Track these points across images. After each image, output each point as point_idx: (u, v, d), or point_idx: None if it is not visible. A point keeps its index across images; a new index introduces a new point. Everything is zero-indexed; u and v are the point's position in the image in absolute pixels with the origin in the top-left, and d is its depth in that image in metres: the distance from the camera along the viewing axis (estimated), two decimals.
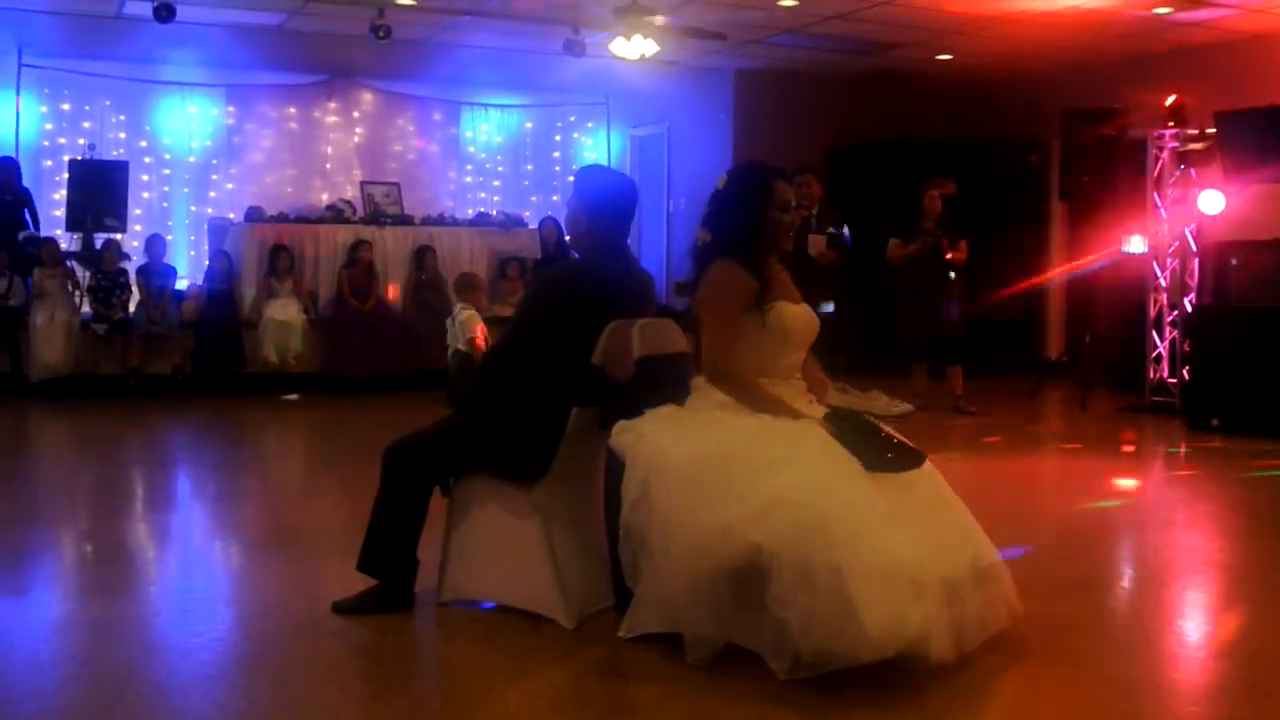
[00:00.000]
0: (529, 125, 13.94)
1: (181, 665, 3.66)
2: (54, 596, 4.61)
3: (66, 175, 11.43)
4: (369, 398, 10.14)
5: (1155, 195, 9.93)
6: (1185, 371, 9.44)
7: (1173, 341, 9.82)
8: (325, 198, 12.48)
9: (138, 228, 11.79)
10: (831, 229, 9.04)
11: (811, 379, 3.96)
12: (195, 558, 5.32)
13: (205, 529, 5.98)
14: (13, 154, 11.14)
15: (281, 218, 11.65)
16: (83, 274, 10.68)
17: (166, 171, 12.39)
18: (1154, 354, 9.89)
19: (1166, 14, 9.92)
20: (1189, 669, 3.83)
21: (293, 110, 12.76)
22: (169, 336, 10.46)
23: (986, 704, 3.50)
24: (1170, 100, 9.85)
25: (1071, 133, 10.31)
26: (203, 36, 11.39)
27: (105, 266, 10.62)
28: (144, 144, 12.26)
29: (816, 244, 8.92)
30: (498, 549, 4.02)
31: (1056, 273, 12.21)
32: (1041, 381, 10.78)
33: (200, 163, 12.50)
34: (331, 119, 12.92)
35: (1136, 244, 10.08)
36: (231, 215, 12.08)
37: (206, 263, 11.25)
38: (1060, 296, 12.62)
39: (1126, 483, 7.20)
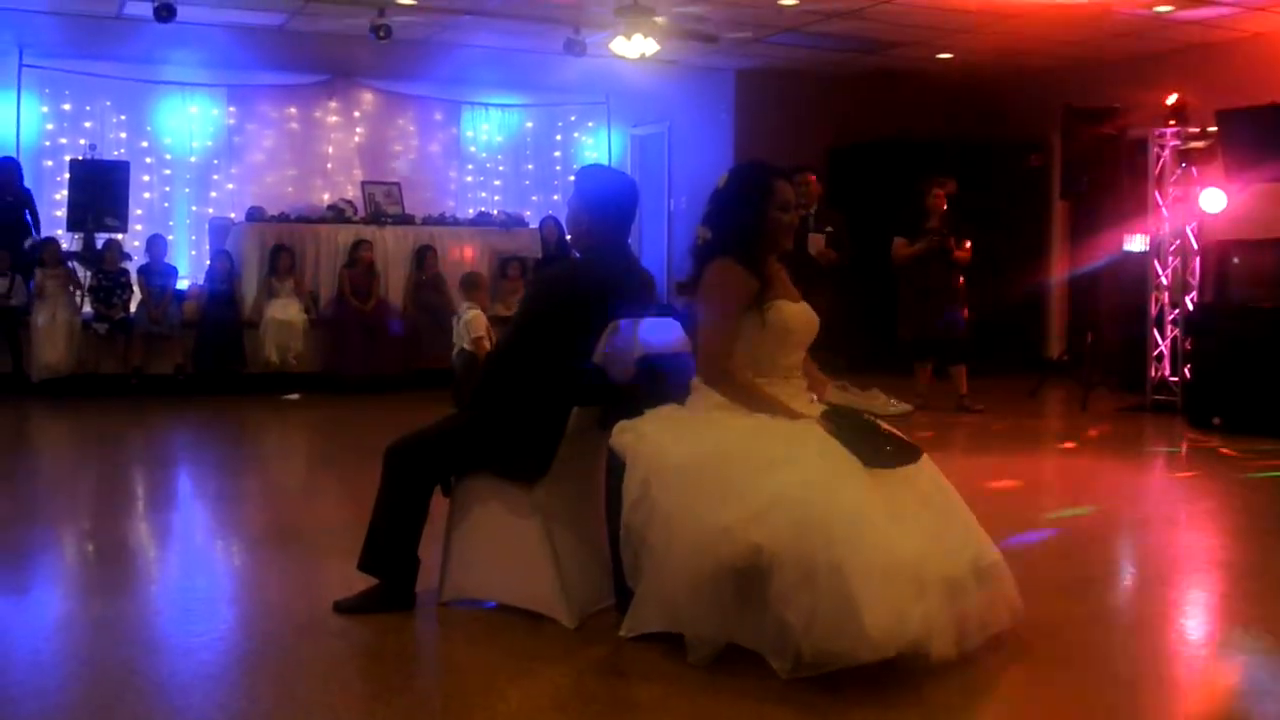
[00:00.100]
0: (529, 125, 13.93)
1: (182, 664, 3.66)
2: (55, 595, 4.61)
3: (67, 175, 11.42)
4: (370, 397, 10.15)
5: (1156, 194, 9.91)
6: (1186, 370, 9.43)
7: (1174, 340, 9.80)
8: (326, 198, 12.47)
9: (139, 228, 11.79)
10: (830, 228, 9.06)
11: (811, 379, 3.96)
12: (196, 557, 5.32)
13: (206, 528, 5.99)
14: (14, 154, 11.13)
15: (282, 218, 11.65)
16: (84, 274, 10.67)
17: (167, 171, 12.39)
18: (1155, 353, 9.88)
19: (1167, 12, 9.91)
20: (1190, 667, 3.82)
21: (293, 110, 12.76)
22: (170, 336, 10.46)
23: (988, 702, 3.50)
24: (1171, 99, 9.84)
25: (1072, 132, 10.28)
26: (203, 37, 11.37)
27: (106, 266, 10.62)
28: (145, 144, 12.25)
29: (816, 243, 8.94)
30: (499, 548, 4.02)
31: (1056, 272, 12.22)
32: (1043, 381, 10.77)
33: (201, 163, 12.49)
34: (332, 119, 12.92)
35: (1138, 243, 10.08)
36: (232, 215, 12.09)
37: (207, 263, 11.24)
38: (1061, 295, 12.62)
39: (1127, 481, 7.20)
